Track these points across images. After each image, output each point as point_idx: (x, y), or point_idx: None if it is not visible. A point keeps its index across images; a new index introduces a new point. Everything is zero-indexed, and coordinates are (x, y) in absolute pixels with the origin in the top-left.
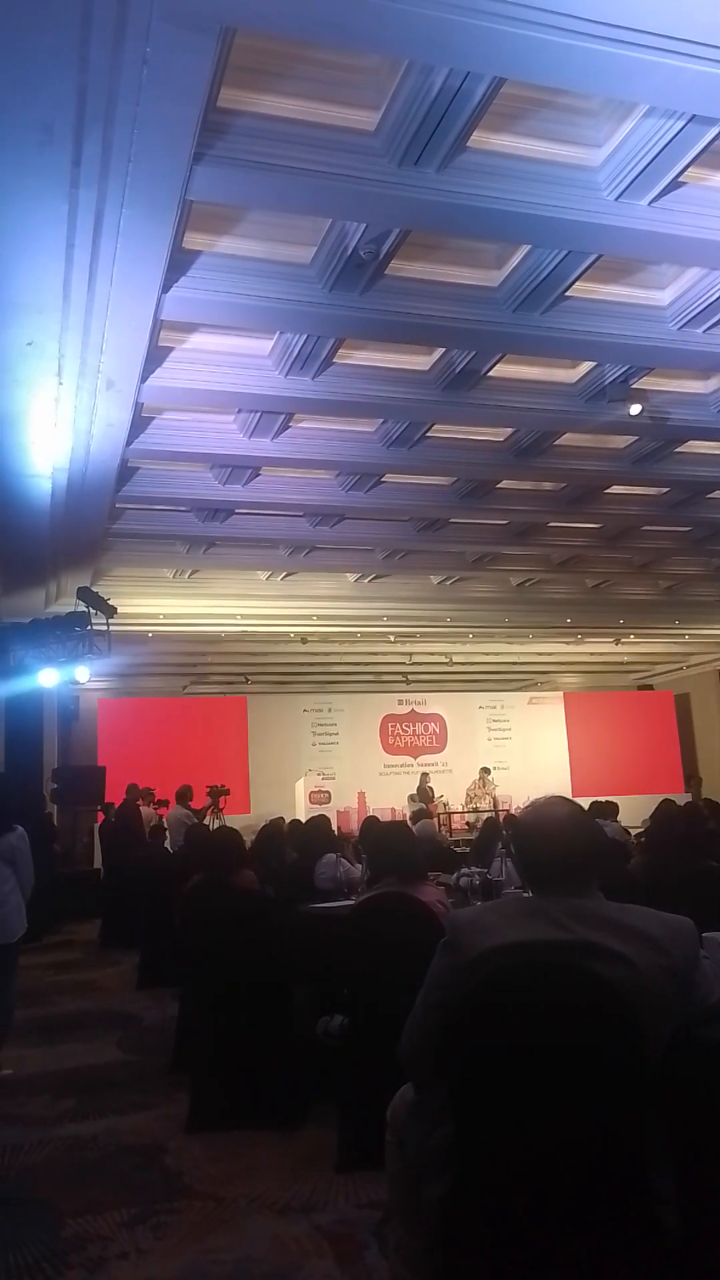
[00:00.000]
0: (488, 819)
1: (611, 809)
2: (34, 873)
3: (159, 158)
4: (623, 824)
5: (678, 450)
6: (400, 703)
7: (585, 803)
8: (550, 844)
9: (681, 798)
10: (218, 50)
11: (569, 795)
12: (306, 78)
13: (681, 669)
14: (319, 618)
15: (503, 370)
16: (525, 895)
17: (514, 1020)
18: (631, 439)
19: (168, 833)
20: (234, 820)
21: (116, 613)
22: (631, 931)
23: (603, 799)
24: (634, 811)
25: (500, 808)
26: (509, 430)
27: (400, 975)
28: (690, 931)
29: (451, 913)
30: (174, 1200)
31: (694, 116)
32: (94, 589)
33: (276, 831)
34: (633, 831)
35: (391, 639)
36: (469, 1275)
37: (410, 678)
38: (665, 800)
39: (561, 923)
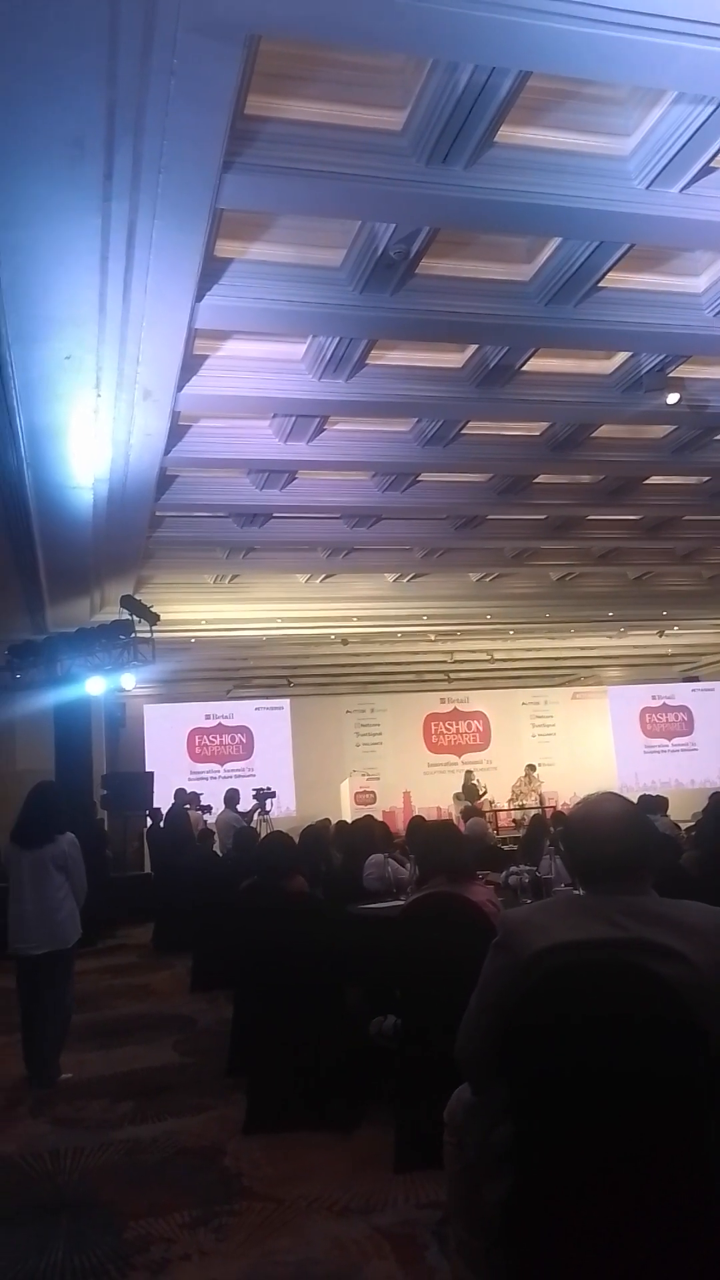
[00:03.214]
0: (535, 816)
1: (661, 803)
2: (87, 879)
3: (189, 168)
4: (672, 818)
5: (717, 438)
6: (442, 701)
7: (633, 797)
8: (602, 842)
9: None
10: (243, 58)
11: (615, 790)
12: (332, 80)
13: None
14: (359, 619)
15: (537, 364)
16: (577, 893)
17: (572, 1020)
18: (670, 428)
19: (216, 836)
20: (281, 822)
21: (159, 620)
22: (686, 927)
23: (651, 794)
24: (683, 805)
25: (547, 804)
26: (545, 424)
27: (452, 975)
28: None
29: (503, 912)
30: (234, 1202)
31: None
32: (137, 597)
33: (319, 835)
34: (683, 826)
35: (432, 638)
36: (532, 1275)
37: (452, 676)
38: (716, 794)
39: (616, 920)
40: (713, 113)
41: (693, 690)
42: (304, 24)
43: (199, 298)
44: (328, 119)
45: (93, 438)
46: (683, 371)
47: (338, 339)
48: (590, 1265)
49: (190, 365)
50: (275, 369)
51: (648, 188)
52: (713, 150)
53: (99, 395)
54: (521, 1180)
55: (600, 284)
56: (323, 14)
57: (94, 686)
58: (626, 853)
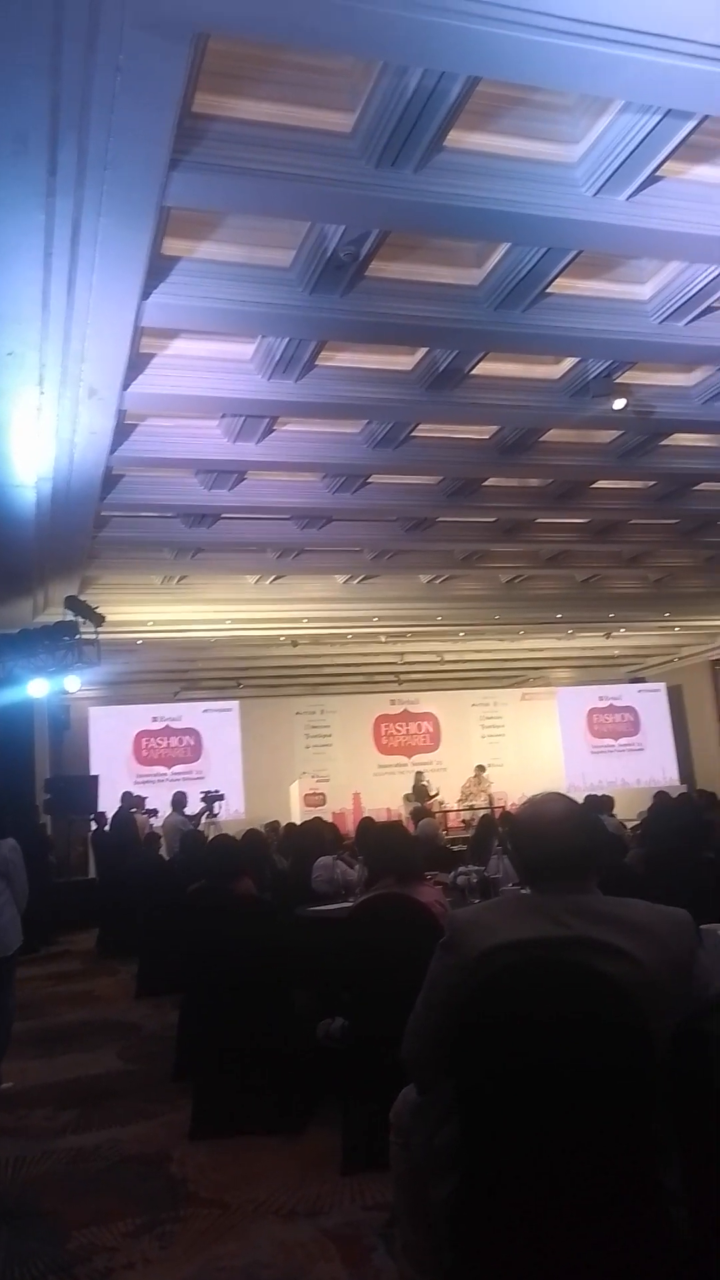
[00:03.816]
0: (483, 816)
1: (607, 803)
2: (29, 884)
3: (135, 165)
4: (618, 817)
5: (663, 443)
6: (393, 703)
7: (580, 796)
8: (548, 840)
9: (676, 789)
10: (190, 55)
11: (563, 789)
12: (281, 81)
13: (673, 661)
14: (309, 620)
15: (486, 368)
16: (524, 892)
17: (518, 1019)
18: (616, 433)
19: (163, 840)
20: (229, 825)
21: (105, 621)
22: (630, 925)
23: (598, 793)
24: (629, 804)
25: (496, 805)
26: (494, 428)
27: (400, 976)
28: (687, 923)
29: (450, 912)
30: (179, 1208)
31: (669, 111)
32: (82, 598)
33: (261, 840)
34: (628, 825)
35: (382, 639)
36: (478, 1275)
37: (402, 677)
38: (660, 792)
39: (561, 919)
40: (659, 122)
41: (639, 691)
42: (252, 23)
43: (145, 296)
44: (277, 119)
45: (36, 435)
46: (629, 378)
47: (287, 339)
48: (536, 1265)
49: (137, 363)
50: (224, 368)
51: (595, 195)
52: (659, 159)
53: (42, 392)
54: (467, 1180)
55: (548, 290)
56: (270, 13)
57: (37, 689)
58: (572, 852)
